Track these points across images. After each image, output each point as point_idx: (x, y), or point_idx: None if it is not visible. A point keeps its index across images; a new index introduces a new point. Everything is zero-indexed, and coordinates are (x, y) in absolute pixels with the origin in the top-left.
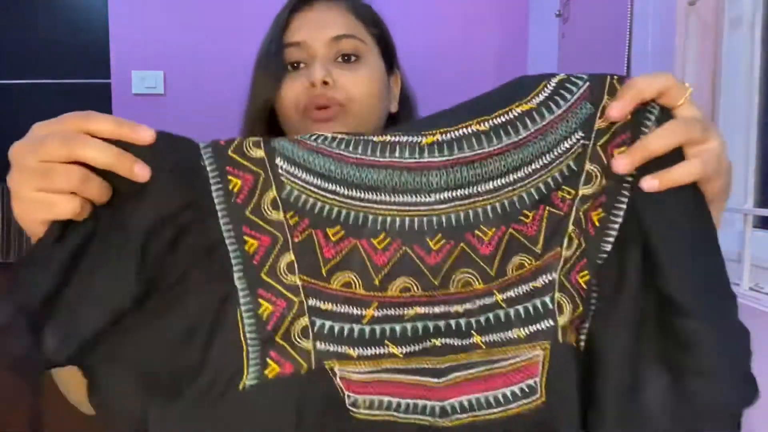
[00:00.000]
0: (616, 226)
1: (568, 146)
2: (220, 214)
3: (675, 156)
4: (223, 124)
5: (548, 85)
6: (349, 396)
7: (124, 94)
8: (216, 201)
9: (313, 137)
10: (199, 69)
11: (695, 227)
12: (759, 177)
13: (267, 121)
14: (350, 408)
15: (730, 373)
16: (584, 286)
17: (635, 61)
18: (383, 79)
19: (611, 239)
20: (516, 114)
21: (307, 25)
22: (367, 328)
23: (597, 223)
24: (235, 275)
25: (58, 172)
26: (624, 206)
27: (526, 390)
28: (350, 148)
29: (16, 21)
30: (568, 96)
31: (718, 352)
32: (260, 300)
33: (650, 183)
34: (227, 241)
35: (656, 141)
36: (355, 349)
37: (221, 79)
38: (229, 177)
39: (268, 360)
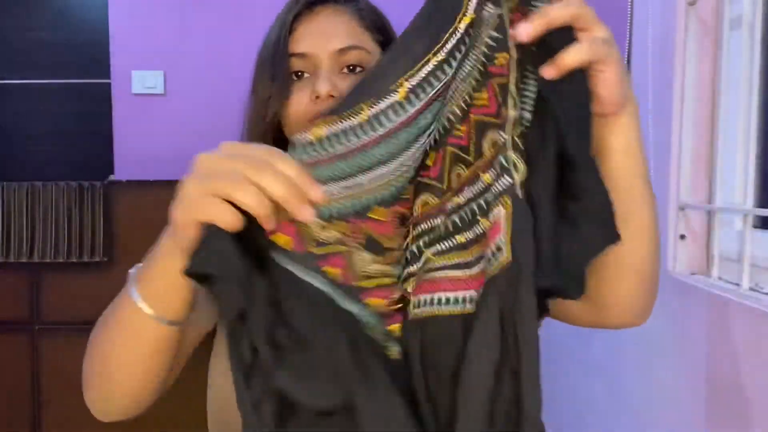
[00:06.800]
0: (532, 95)
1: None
2: (292, 267)
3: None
4: (223, 124)
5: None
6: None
7: (124, 94)
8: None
9: (306, 152)
10: (199, 69)
11: (584, 109)
12: (759, 177)
13: (274, 134)
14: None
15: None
16: (521, 147)
17: (635, 61)
18: None
19: (529, 107)
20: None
21: (312, 35)
22: None
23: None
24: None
25: (234, 180)
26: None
27: (496, 251)
28: (341, 141)
29: (16, 21)
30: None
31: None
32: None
33: (549, 71)
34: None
35: (554, 10)
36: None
37: (221, 79)
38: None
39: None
